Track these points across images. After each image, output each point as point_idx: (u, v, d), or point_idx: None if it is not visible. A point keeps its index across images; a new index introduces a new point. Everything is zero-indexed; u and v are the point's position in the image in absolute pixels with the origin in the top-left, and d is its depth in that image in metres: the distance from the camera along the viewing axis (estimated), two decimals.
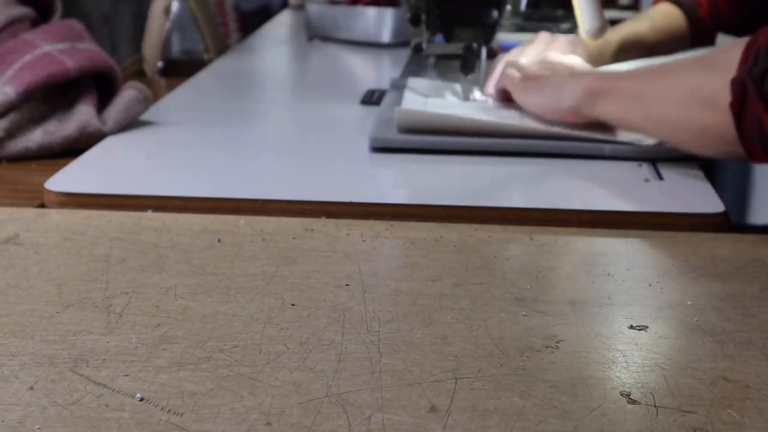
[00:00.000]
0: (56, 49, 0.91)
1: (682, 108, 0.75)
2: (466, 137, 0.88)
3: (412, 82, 1.10)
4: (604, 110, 0.84)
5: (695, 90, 0.74)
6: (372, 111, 1.06)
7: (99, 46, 0.97)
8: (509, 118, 0.93)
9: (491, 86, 1.03)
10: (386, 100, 1.05)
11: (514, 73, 0.97)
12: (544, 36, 1.07)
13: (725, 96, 0.71)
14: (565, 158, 0.85)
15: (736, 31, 1.10)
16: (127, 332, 0.53)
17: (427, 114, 0.91)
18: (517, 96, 0.95)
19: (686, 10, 1.11)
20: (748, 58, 0.70)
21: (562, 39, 1.05)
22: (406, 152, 0.87)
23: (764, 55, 0.68)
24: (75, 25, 0.97)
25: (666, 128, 0.78)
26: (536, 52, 1.04)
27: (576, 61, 0.99)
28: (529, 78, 0.95)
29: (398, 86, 1.12)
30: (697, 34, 1.11)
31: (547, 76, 0.93)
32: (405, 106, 0.97)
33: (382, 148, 0.88)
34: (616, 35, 1.07)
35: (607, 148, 0.85)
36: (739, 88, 0.70)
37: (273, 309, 0.56)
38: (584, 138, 0.86)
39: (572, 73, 0.91)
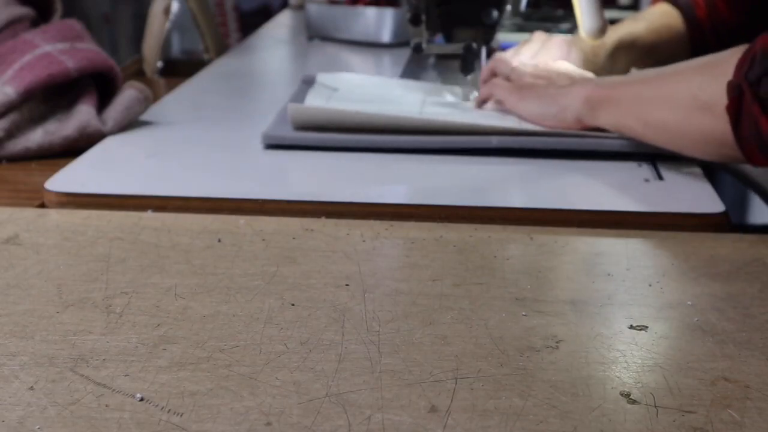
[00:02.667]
0: (56, 49, 0.91)
1: (681, 113, 0.75)
2: (370, 134, 0.87)
3: (322, 77, 1.09)
4: (606, 119, 0.84)
5: (693, 95, 0.74)
6: None
7: (99, 46, 0.97)
8: (504, 121, 0.92)
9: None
10: (291, 97, 1.05)
11: (504, 81, 0.96)
12: (539, 35, 1.07)
13: (722, 100, 0.71)
14: (565, 158, 0.85)
15: (734, 32, 1.10)
16: (127, 332, 0.53)
17: (319, 110, 0.90)
18: (513, 104, 0.93)
19: (684, 11, 1.11)
20: (744, 62, 0.70)
21: (557, 39, 1.05)
22: (339, 150, 0.88)
23: (760, 60, 0.69)
24: (75, 24, 0.97)
25: (664, 134, 0.78)
26: (532, 52, 1.04)
27: (569, 67, 0.99)
28: (523, 86, 0.94)
29: (308, 81, 1.11)
30: (694, 34, 1.10)
31: (542, 84, 0.92)
32: (308, 102, 0.97)
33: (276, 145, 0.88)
34: (611, 36, 1.07)
35: (571, 142, 0.86)
36: (736, 91, 0.70)
37: (273, 309, 0.56)
38: (539, 133, 0.87)
39: (570, 81, 0.91)
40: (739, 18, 1.09)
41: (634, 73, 0.88)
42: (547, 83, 0.93)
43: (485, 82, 1.01)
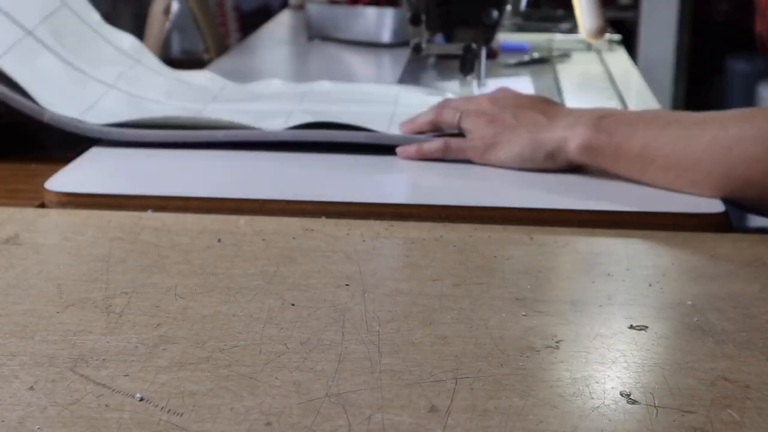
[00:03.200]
0: None
1: (713, 168, 0.71)
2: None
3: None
4: (615, 169, 0.76)
5: (729, 148, 0.70)
6: None
7: None
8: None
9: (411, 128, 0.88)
10: None
11: (462, 140, 0.82)
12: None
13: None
14: None
15: None
16: (127, 332, 0.53)
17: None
18: (481, 157, 0.81)
19: None
20: None
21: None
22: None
23: None
24: None
25: (693, 187, 0.73)
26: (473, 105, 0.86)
27: (523, 93, 0.87)
28: (490, 138, 0.80)
29: None
30: None
31: (509, 123, 0.80)
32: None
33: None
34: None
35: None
36: None
37: (273, 309, 0.56)
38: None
39: (551, 121, 0.79)
40: None
41: (631, 113, 0.79)
42: (514, 120, 0.80)
43: (433, 124, 0.86)
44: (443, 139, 0.83)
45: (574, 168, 0.79)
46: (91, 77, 0.93)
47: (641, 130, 0.74)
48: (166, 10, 1.76)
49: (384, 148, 0.85)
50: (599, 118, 0.76)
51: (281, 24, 1.86)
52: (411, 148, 0.84)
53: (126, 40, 1.02)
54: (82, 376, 0.48)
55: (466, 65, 1.03)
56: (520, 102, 0.83)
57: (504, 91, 0.87)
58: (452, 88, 1.09)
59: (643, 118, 0.77)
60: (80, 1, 0.99)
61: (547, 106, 0.82)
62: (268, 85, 1.08)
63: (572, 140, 0.77)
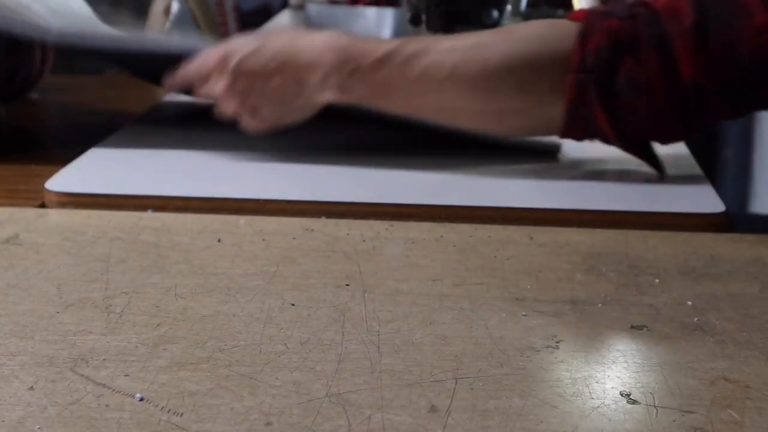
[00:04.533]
0: None
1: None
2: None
3: None
4: (367, 92, 0.75)
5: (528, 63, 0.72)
6: None
7: None
8: None
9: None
10: None
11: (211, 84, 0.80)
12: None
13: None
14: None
15: None
16: (127, 332, 0.53)
17: None
18: (250, 126, 0.81)
19: None
20: (584, 52, 0.71)
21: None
22: None
23: (606, 48, 0.70)
24: None
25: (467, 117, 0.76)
26: None
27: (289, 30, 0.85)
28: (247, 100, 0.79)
29: None
30: None
31: (258, 100, 0.79)
32: None
33: None
34: None
35: None
36: (579, 85, 0.71)
37: (273, 309, 0.56)
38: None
39: (299, 79, 0.77)
40: None
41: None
42: (261, 98, 0.79)
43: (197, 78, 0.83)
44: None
45: (574, 167, 0.82)
46: None
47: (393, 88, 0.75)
48: (166, 10, 1.76)
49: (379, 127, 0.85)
50: (349, 74, 0.75)
51: (281, 24, 1.86)
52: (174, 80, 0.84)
53: None
54: (82, 376, 0.48)
55: None
56: (265, 70, 0.78)
57: (243, 51, 0.79)
58: None
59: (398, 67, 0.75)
60: None
61: (294, 64, 0.77)
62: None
63: (319, 104, 0.78)
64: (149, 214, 0.72)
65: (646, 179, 0.80)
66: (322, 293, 0.58)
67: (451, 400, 0.46)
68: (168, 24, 1.69)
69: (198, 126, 0.99)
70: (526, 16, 1.76)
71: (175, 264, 0.63)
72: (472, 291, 0.59)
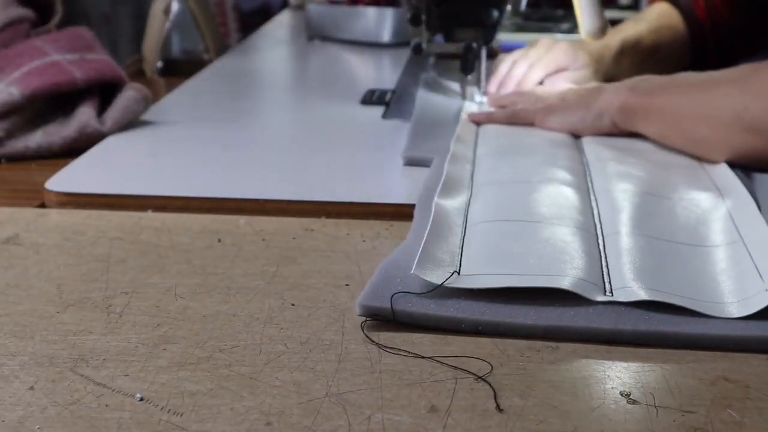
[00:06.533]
0: (65, 59, 0.91)
1: (724, 132, 0.76)
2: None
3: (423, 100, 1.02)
4: (645, 129, 0.83)
5: (737, 114, 0.74)
6: (372, 111, 1.06)
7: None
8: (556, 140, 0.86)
9: (494, 85, 1.03)
10: (410, 143, 0.88)
11: (527, 105, 0.94)
12: (545, 41, 1.06)
13: (766, 122, 0.72)
14: None
15: (734, 31, 1.10)
16: (127, 332, 0.53)
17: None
18: (541, 120, 0.90)
19: (684, 11, 1.11)
20: None
21: (562, 44, 1.04)
22: None
23: None
24: (85, 33, 0.97)
25: (707, 149, 0.78)
26: (537, 56, 1.03)
27: (593, 84, 0.98)
28: (550, 103, 0.92)
29: (430, 84, 1.08)
30: (695, 34, 1.10)
31: (570, 98, 0.91)
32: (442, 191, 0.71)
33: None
34: (615, 38, 1.07)
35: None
36: None
37: (273, 309, 0.56)
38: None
39: (598, 90, 0.89)
40: (737, 17, 1.09)
41: (665, 78, 0.85)
42: (574, 95, 0.91)
43: (499, 105, 0.98)
44: (511, 108, 0.94)
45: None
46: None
47: (671, 91, 0.81)
48: (166, 10, 1.77)
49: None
50: (640, 80, 0.86)
51: (281, 24, 1.86)
52: (481, 115, 0.95)
53: None
54: (82, 376, 0.48)
55: (468, 65, 1.02)
56: (577, 90, 0.94)
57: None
58: (452, 87, 1.09)
59: (673, 81, 0.83)
60: None
61: (602, 86, 0.92)
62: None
63: (614, 101, 0.85)
64: (149, 214, 0.72)
65: None
66: (322, 293, 0.58)
67: (451, 400, 0.46)
68: (168, 24, 1.69)
69: (198, 126, 0.99)
70: (527, 16, 1.76)
71: (175, 264, 0.63)
72: None
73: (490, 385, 0.47)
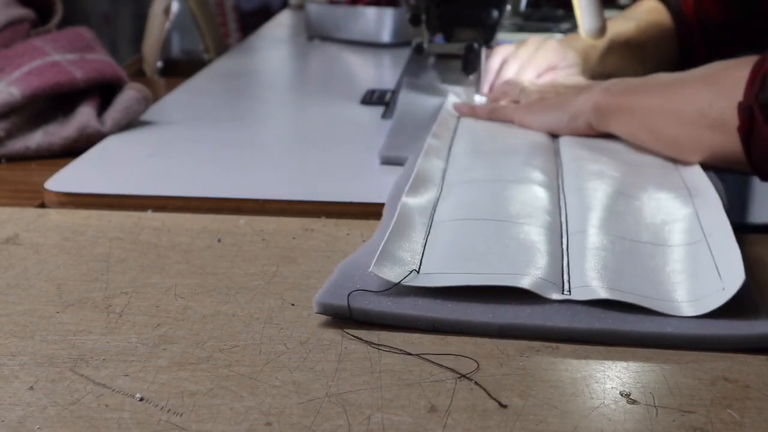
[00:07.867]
0: (66, 59, 0.91)
1: (691, 129, 0.76)
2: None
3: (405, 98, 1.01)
4: (616, 128, 0.83)
5: (703, 112, 0.74)
6: (372, 111, 1.06)
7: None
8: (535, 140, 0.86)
9: (486, 88, 1.03)
10: (394, 129, 0.92)
11: (509, 104, 0.95)
12: (534, 39, 1.06)
13: (733, 120, 0.71)
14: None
15: (721, 29, 1.10)
16: (127, 332, 0.53)
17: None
18: (521, 119, 0.91)
19: (671, 8, 1.11)
20: (754, 81, 0.70)
21: (552, 42, 1.04)
22: None
23: None
24: (85, 33, 0.97)
25: (675, 148, 0.78)
26: (528, 55, 1.03)
27: (578, 80, 0.98)
28: (530, 102, 0.93)
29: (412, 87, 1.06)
30: (682, 31, 1.10)
31: (550, 97, 0.91)
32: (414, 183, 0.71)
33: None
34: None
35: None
36: (747, 113, 0.70)
37: (273, 309, 0.56)
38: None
39: (576, 91, 0.89)
40: (725, 14, 1.09)
41: (638, 79, 0.85)
42: (555, 95, 0.92)
43: (494, 100, 1.00)
44: (492, 105, 0.96)
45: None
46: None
47: (643, 91, 0.81)
48: (166, 10, 1.77)
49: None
50: (616, 82, 0.85)
51: (281, 24, 1.86)
52: (465, 106, 0.97)
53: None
54: (82, 376, 0.48)
55: (469, 65, 1.02)
56: (557, 87, 0.95)
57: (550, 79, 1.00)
58: (454, 89, 1.08)
59: (643, 81, 0.84)
60: None
61: (581, 84, 0.94)
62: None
63: (588, 102, 0.85)
64: (149, 214, 0.72)
65: None
66: None
67: (451, 400, 0.46)
68: (168, 24, 1.69)
69: (198, 126, 0.99)
70: (527, 16, 1.76)
71: (175, 264, 0.63)
72: None
73: (484, 389, 0.47)
